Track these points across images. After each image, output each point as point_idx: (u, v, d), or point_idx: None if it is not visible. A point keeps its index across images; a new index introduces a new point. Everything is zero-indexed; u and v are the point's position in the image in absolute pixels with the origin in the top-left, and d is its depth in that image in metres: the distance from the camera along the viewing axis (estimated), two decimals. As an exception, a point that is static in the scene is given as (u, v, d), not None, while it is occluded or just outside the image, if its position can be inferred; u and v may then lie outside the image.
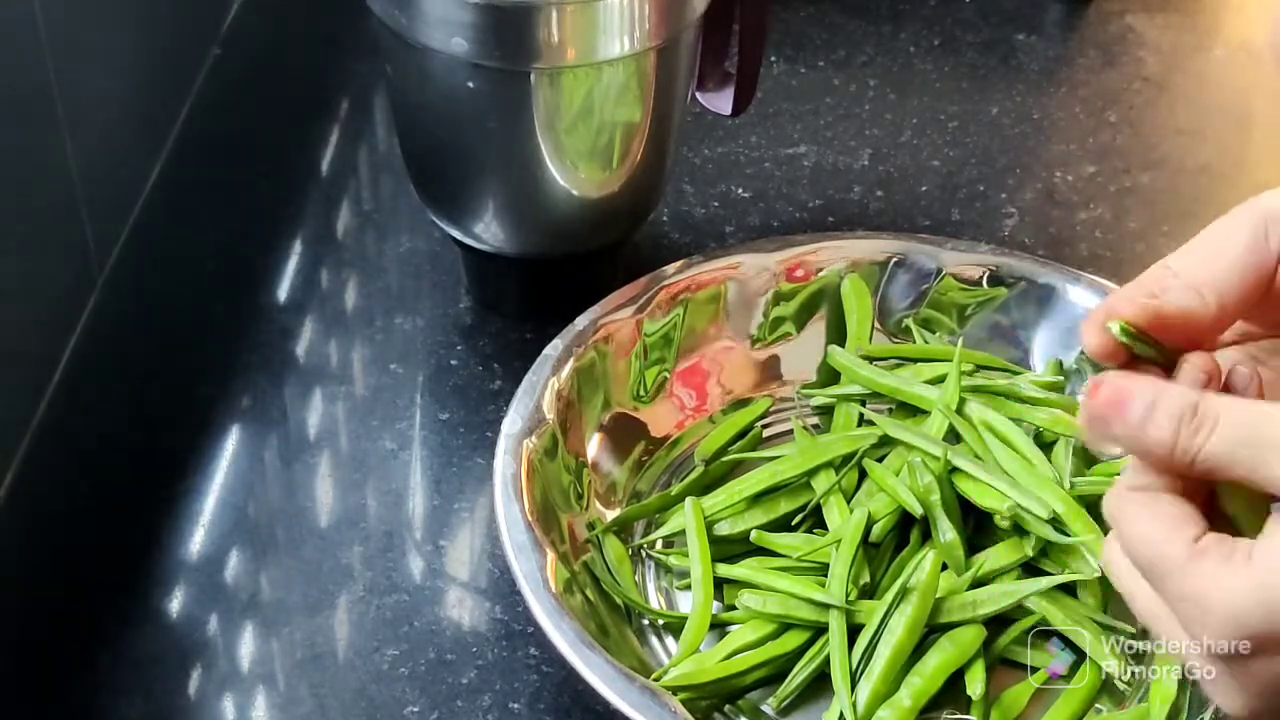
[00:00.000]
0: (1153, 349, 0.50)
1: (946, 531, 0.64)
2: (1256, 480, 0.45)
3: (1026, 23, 1.05)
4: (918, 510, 0.64)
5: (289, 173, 0.90)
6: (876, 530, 0.65)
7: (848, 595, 0.62)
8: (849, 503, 0.67)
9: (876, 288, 0.76)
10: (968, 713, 0.61)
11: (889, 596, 0.61)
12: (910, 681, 0.61)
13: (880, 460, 0.68)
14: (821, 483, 0.67)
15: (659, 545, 0.68)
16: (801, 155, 0.92)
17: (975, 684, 0.61)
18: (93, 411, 0.75)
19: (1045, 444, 0.68)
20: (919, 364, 0.73)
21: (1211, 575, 0.45)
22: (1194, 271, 0.52)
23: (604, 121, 0.72)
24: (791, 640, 0.63)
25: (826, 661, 0.62)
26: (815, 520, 0.68)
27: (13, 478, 0.70)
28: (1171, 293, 0.51)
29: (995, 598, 0.63)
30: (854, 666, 0.61)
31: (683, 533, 0.67)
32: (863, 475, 0.68)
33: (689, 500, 0.67)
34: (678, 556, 0.67)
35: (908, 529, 0.66)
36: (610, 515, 0.68)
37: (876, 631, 0.61)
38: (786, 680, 0.62)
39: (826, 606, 0.62)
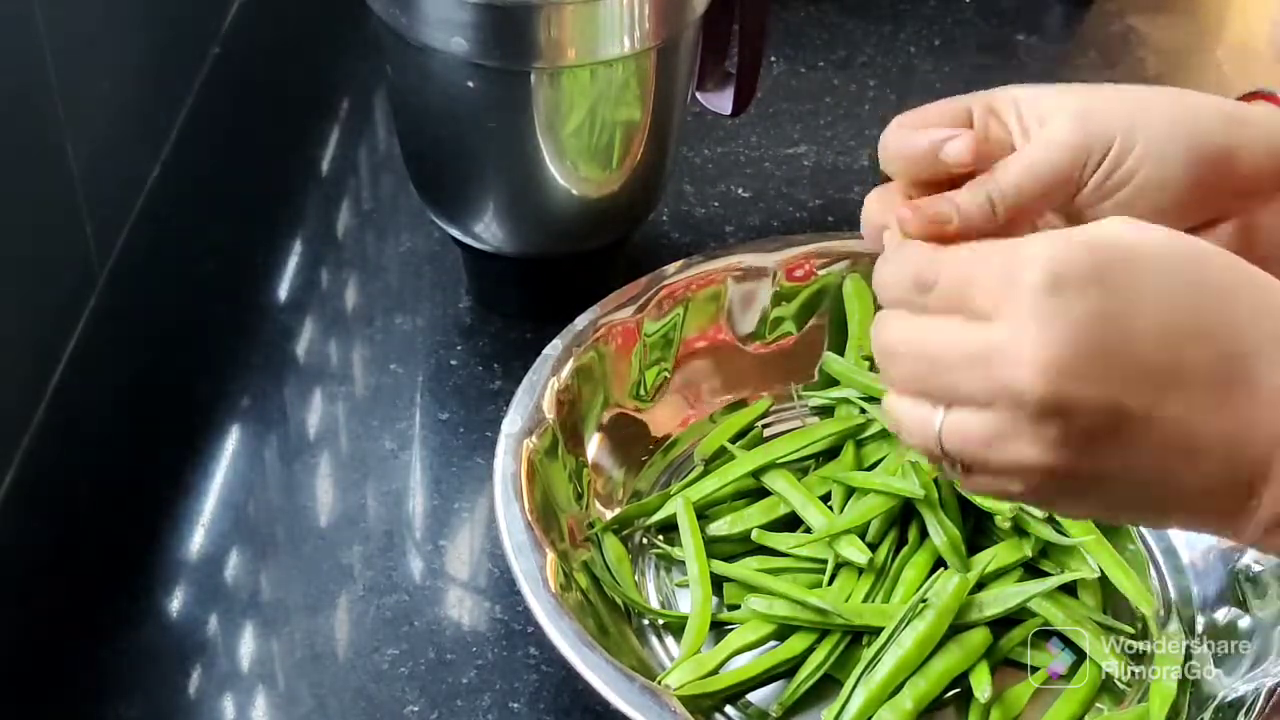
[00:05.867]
0: None
1: (937, 534, 0.64)
2: None
3: (1027, 23, 1.05)
4: (919, 493, 0.64)
5: (289, 173, 0.90)
6: (872, 530, 0.65)
7: (848, 600, 0.62)
8: (840, 510, 0.67)
9: (876, 288, 0.76)
10: (966, 712, 0.61)
11: (904, 609, 0.61)
12: (915, 683, 0.61)
13: (876, 465, 0.68)
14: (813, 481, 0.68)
15: (659, 539, 0.68)
16: (801, 155, 0.92)
17: (983, 688, 0.61)
18: (93, 411, 0.75)
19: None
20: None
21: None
22: (1007, 171, 0.52)
23: (604, 121, 0.72)
24: (798, 644, 0.63)
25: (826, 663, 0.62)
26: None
27: (13, 477, 0.70)
28: (967, 207, 0.52)
29: (1001, 599, 0.63)
30: (859, 675, 0.61)
31: (675, 523, 0.67)
32: (852, 490, 0.67)
33: (680, 498, 0.67)
34: (678, 549, 0.67)
35: (906, 527, 0.66)
36: (610, 515, 0.68)
37: (886, 642, 0.61)
38: (789, 686, 0.62)
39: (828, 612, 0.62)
